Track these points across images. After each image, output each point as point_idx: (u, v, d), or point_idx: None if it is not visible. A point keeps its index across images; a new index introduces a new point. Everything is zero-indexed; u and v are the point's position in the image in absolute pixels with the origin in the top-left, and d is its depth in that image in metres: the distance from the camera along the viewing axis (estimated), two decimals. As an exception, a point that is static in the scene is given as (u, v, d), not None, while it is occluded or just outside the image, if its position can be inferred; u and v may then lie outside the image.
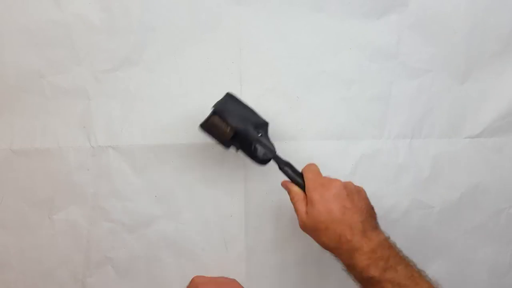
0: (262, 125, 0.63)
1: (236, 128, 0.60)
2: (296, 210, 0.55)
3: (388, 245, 0.51)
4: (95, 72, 0.69)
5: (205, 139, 0.63)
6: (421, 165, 0.74)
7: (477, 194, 0.75)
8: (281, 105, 0.71)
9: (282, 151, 0.72)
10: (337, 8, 0.69)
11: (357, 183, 0.73)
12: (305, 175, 0.57)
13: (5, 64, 0.68)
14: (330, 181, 0.55)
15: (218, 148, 0.64)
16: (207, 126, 0.61)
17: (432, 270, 0.76)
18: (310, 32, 0.70)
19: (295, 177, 0.59)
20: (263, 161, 0.61)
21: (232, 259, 0.74)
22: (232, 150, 0.64)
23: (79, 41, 0.68)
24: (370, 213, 0.54)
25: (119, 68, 0.69)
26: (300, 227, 0.55)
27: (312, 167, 0.58)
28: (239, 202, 0.72)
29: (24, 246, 0.73)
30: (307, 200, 0.54)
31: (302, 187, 0.57)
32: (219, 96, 0.70)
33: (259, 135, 0.61)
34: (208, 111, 0.71)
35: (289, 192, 0.57)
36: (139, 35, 0.68)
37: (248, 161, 0.62)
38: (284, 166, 0.60)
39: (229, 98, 0.64)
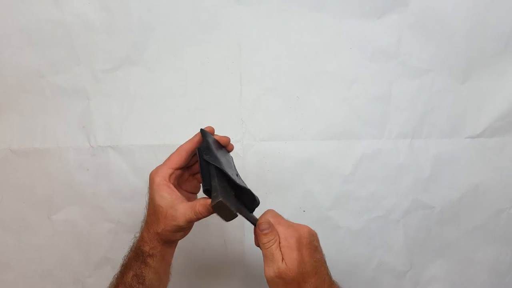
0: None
1: (239, 210, 0.48)
2: (272, 256, 0.46)
3: None
4: (94, 72, 0.69)
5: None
6: (422, 165, 0.74)
7: (478, 194, 0.75)
8: (281, 105, 0.71)
9: (282, 150, 0.72)
10: (337, 8, 0.69)
11: (357, 183, 0.74)
12: (270, 220, 0.49)
13: (5, 64, 0.68)
14: (298, 226, 0.48)
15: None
16: (215, 209, 0.47)
17: (433, 270, 0.78)
18: (310, 32, 0.70)
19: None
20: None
21: (232, 259, 0.74)
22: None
23: (78, 41, 0.68)
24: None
25: (119, 68, 0.69)
26: (276, 276, 0.45)
27: (271, 211, 0.50)
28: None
29: (24, 246, 0.73)
30: (281, 246, 0.47)
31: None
32: (219, 95, 0.71)
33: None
34: (207, 110, 0.71)
35: (270, 233, 0.47)
36: (139, 35, 0.68)
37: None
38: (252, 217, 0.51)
39: (210, 148, 0.51)
